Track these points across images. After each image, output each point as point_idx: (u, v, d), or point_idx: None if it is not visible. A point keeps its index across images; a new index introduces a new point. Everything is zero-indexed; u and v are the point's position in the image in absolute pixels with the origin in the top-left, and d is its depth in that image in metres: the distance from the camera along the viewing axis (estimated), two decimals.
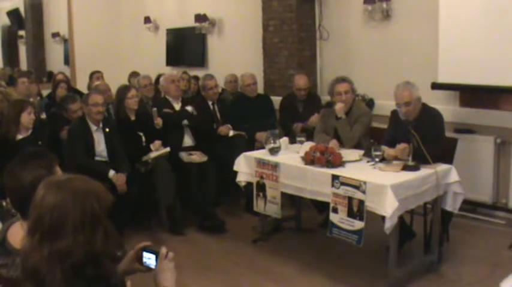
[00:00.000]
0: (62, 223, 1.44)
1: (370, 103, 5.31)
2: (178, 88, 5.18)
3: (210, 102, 5.42)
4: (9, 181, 1.91)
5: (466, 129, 4.73)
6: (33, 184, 1.69)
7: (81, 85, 7.27)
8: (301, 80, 5.32)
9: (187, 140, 5.09)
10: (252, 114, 5.42)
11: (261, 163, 4.05)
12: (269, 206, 4.04)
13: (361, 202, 3.30)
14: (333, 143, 4.12)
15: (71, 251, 1.42)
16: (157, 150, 4.70)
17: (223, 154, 4.88)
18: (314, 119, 4.99)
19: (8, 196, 2.10)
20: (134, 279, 1.85)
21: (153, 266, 1.78)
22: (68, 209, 1.45)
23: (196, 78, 6.41)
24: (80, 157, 4.36)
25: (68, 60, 8.41)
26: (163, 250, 1.77)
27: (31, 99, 5.40)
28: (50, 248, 1.42)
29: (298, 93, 5.35)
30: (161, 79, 5.42)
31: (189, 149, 4.98)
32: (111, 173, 4.30)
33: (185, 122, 5.03)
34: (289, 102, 5.46)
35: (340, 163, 3.66)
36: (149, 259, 1.80)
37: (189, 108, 5.07)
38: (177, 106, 5.12)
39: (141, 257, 1.82)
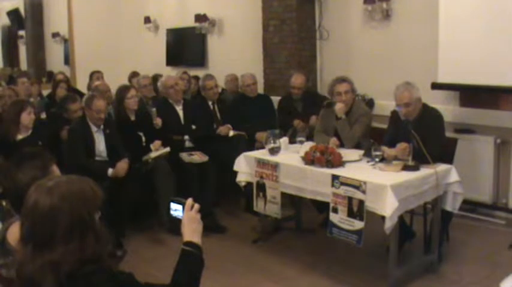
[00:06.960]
0: (52, 233, 1.46)
1: (370, 103, 5.31)
2: (178, 92, 5.17)
3: (210, 102, 5.43)
4: (5, 183, 1.91)
5: (466, 129, 4.73)
6: (28, 185, 1.70)
7: (81, 85, 7.26)
8: (298, 80, 5.33)
9: (188, 141, 5.10)
10: (252, 114, 5.42)
11: (261, 162, 4.05)
12: (269, 206, 4.04)
13: (361, 202, 3.30)
14: (333, 141, 4.12)
15: (63, 261, 1.44)
16: (157, 150, 4.71)
17: (223, 154, 4.88)
18: (313, 120, 5.05)
19: (5, 197, 2.10)
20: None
21: (180, 217, 1.85)
22: (57, 218, 1.46)
23: (196, 78, 6.41)
24: (80, 157, 4.36)
25: (68, 60, 8.39)
26: (190, 200, 1.84)
27: (31, 99, 5.39)
28: (43, 259, 1.44)
29: (293, 92, 5.36)
30: (159, 84, 5.38)
31: (189, 149, 4.98)
32: (110, 171, 4.30)
33: (186, 137, 5.06)
34: (287, 103, 5.46)
35: (340, 163, 3.66)
36: (176, 210, 1.87)
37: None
38: (179, 108, 5.13)
39: (168, 208, 1.89)
